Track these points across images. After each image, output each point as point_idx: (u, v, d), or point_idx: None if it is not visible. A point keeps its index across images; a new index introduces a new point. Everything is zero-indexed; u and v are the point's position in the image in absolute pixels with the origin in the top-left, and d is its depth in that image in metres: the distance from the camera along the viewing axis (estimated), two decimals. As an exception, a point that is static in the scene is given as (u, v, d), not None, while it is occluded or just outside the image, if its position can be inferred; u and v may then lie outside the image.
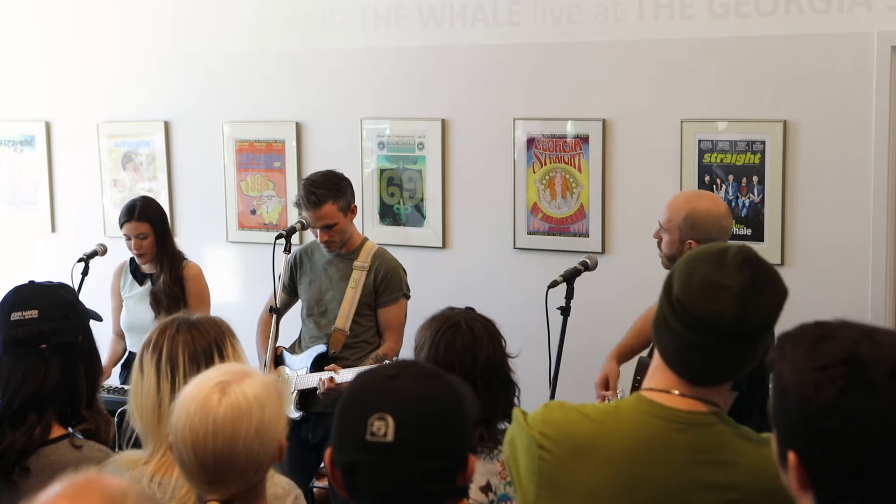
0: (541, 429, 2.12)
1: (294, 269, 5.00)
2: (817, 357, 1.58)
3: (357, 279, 4.84)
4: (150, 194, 6.30)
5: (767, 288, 2.09)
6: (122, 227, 5.16)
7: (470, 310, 3.35)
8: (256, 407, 2.11)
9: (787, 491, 2.09)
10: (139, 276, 5.26)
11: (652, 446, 2.08)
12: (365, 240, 4.94)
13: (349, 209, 4.82)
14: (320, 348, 4.82)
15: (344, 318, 4.83)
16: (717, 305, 2.03)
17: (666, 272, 4.24)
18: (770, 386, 1.67)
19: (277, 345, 4.93)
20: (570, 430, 2.12)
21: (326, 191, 4.75)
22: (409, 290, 4.90)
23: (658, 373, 2.15)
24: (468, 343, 3.14)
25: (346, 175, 4.91)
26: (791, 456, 1.58)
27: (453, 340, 3.14)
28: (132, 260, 5.27)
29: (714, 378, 2.13)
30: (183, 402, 2.14)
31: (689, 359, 2.10)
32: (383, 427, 1.76)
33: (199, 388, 2.14)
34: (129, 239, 5.13)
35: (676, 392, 2.11)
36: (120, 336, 5.35)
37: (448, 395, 1.84)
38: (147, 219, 5.11)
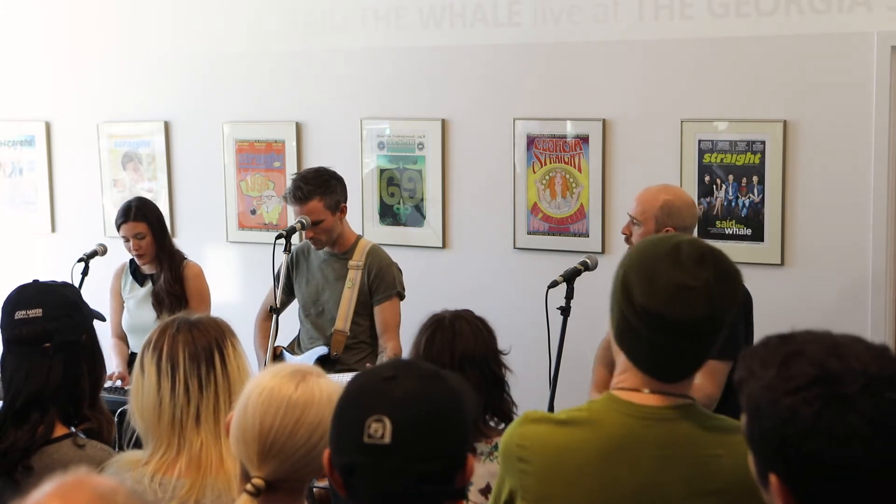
0: (518, 441, 2.14)
1: (291, 269, 4.99)
2: (788, 378, 1.56)
3: (353, 278, 4.81)
4: (150, 194, 6.31)
5: (728, 276, 2.07)
6: (119, 228, 5.14)
7: (466, 311, 3.38)
8: (327, 402, 2.11)
9: None
10: (140, 278, 5.24)
11: (625, 444, 2.08)
12: (359, 238, 4.92)
13: (338, 208, 4.78)
14: (322, 350, 4.81)
15: (343, 319, 4.81)
16: (691, 310, 2.02)
17: None
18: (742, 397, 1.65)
19: (277, 344, 4.93)
20: (545, 440, 2.12)
21: (314, 187, 4.72)
22: (403, 289, 4.87)
23: (628, 373, 2.14)
24: (447, 338, 3.22)
25: (339, 174, 4.89)
26: (773, 478, 1.57)
27: (433, 337, 3.24)
28: (132, 261, 5.27)
29: (687, 373, 2.14)
30: (259, 381, 2.15)
31: (663, 359, 2.10)
32: (381, 429, 1.76)
33: (278, 372, 2.16)
34: (127, 240, 5.12)
35: (647, 390, 2.11)
36: (121, 338, 5.31)
37: (446, 395, 1.83)
38: (144, 218, 5.10)
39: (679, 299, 2.02)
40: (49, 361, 2.81)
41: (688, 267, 2.03)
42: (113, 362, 5.15)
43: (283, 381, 2.13)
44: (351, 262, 4.83)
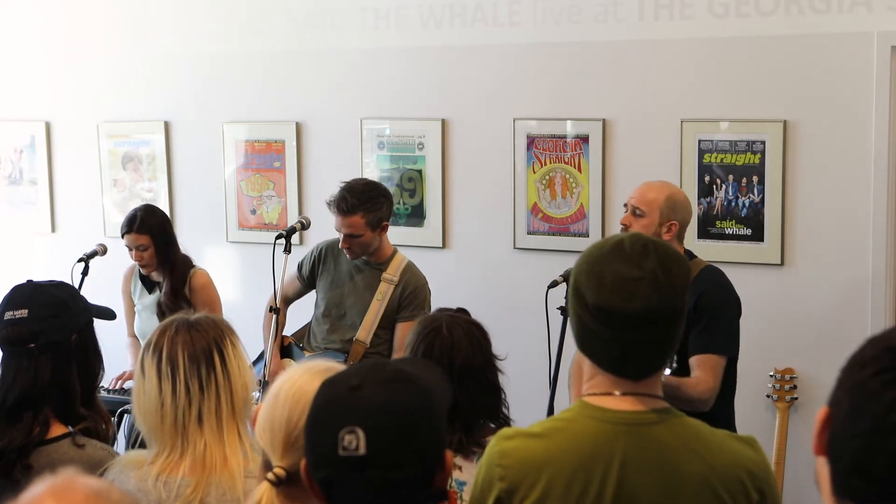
0: (498, 461, 2.14)
1: (317, 263, 4.93)
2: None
3: (384, 292, 4.74)
4: (149, 194, 6.31)
5: (674, 266, 2.08)
6: (122, 237, 5.09)
7: (461, 311, 3.36)
8: None
9: (741, 482, 2.05)
10: (149, 284, 5.19)
11: (599, 452, 2.08)
12: (395, 252, 4.84)
13: (379, 225, 4.69)
14: (338, 358, 4.74)
15: (366, 330, 4.75)
16: (640, 300, 2.03)
17: None
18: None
19: (287, 334, 4.90)
20: (522, 456, 2.13)
21: (360, 202, 4.63)
22: (430, 311, 4.81)
23: (596, 378, 2.14)
24: (446, 348, 3.17)
25: (389, 191, 4.82)
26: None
27: (431, 346, 3.18)
28: None
29: (654, 368, 2.14)
30: (291, 376, 2.14)
31: (625, 356, 2.09)
32: (354, 441, 1.74)
33: (310, 368, 2.16)
34: (130, 249, 5.07)
35: (618, 392, 2.11)
36: (137, 337, 5.26)
37: (415, 396, 1.81)
38: (147, 230, 4.99)
39: (626, 291, 2.03)
40: (35, 362, 2.81)
41: (632, 259, 2.05)
42: (128, 362, 5.14)
43: (313, 378, 2.11)
44: (385, 275, 4.76)
